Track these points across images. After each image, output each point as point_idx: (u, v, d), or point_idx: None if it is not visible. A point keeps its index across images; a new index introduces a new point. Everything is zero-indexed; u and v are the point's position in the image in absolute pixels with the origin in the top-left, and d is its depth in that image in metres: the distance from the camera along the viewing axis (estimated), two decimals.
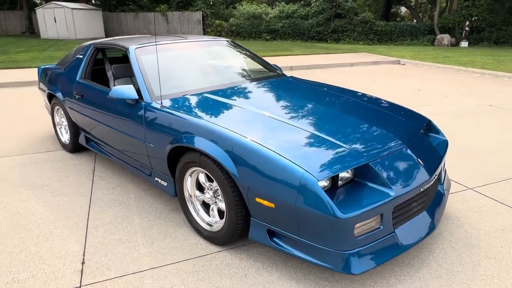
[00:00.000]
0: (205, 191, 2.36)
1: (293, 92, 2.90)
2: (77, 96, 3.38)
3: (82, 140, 3.69)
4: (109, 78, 3.50)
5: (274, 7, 22.48)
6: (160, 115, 2.46)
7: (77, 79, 3.47)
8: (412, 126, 2.48)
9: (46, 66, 4.41)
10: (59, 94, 3.67)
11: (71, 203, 2.89)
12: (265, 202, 1.89)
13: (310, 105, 2.58)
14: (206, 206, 2.46)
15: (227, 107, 2.47)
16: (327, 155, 1.91)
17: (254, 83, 3.11)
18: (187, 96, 2.69)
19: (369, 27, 20.12)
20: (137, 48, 2.99)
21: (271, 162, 1.85)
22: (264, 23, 21.24)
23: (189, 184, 2.42)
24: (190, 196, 2.45)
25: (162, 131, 2.41)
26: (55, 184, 3.23)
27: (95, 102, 3.12)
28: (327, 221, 1.71)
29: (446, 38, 18.91)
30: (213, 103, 2.54)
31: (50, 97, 4.04)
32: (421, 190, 2.03)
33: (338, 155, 1.93)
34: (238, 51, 3.65)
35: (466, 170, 3.45)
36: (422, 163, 2.14)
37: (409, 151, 2.16)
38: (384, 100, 2.90)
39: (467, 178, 3.28)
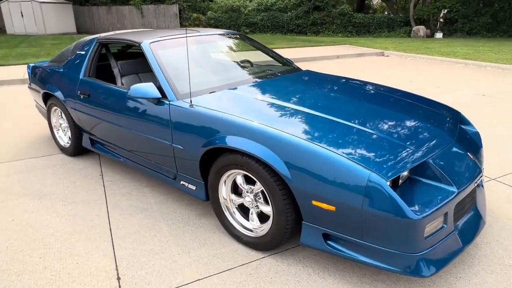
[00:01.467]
0: (243, 194, 2.22)
1: (322, 86, 2.78)
2: (82, 96, 3.13)
3: (86, 143, 3.44)
4: (115, 75, 3.26)
5: (252, 0, 22.22)
6: (190, 115, 2.28)
7: (81, 77, 3.21)
8: (452, 119, 2.43)
9: (37, 64, 4.09)
10: (58, 94, 3.39)
11: (86, 212, 2.67)
12: (324, 205, 1.78)
13: (346, 101, 2.47)
14: (242, 209, 2.32)
15: (262, 103, 2.33)
16: (386, 153, 1.82)
17: (279, 77, 2.97)
18: (214, 93, 2.52)
19: (347, 20, 20.27)
20: (152, 42, 2.78)
21: (331, 163, 1.74)
22: (243, 16, 20.97)
23: (224, 187, 2.27)
24: (226, 200, 2.30)
25: (194, 132, 2.24)
26: (63, 191, 2.98)
27: (105, 102, 2.89)
28: (399, 224, 1.61)
29: (422, 29, 19.34)
30: (245, 100, 2.39)
31: (46, 97, 3.74)
32: (475, 184, 1.98)
33: (397, 153, 1.84)
34: (252, 44, 3.49)
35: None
36: (472, 156, 2.09)
37: (457, 146, 2.10)
38: (413, 94, 2.84)
39: (486, 169, 3.29)
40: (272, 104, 2.32)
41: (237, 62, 3.18)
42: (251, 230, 2.24)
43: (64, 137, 3.77)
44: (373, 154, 1.79)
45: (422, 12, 20.07)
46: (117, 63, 3.26)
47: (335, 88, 2.75)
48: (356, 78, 3.27)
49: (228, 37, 3.40)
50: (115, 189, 3.01)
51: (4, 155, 3.77)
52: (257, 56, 3.50)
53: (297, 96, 2.49)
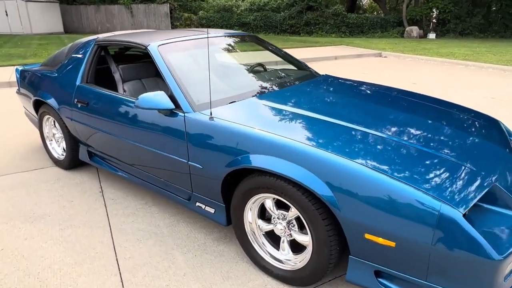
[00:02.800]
0: (273, 221, 1.93)
1: (353, 94, 2.50)
2: (79, 105, 2.80)
3: (83, 156, 3.10)
4: (116, 81, 2.94)
5: None
6: (210, 129, 1.98)
7: (78, 83, 2.87)
8: (499, 130, 2.18)
9: (26, 67, 3.73)
10: (51, 101, 3.05)
11: (87, 238, 2.34)
12: (379, 240, 1.51)
13: (385, 112, 2.20)
14: (270, 237, 2.03)
15: (292, 116, 2.04)
16: (452, 177, 1.55)
17: (302, 84, 2.68)
18: (235, 103, 2.23)
19: (341, 20, 20.13)
20: (160, 45, 2.47)
21: (391, 191, 1.46)
22: (235, 16, 20.65)
23: (250, 212, 1.98)
24: (252, 226, 2.00)
25: (215, 149, 1.94)
26: (58, 212, 2.65)
27: (107, 112, 2.57)
28: (477, 264, 1.35)
29: (415, 30, 19.32)
30: (272, 111, 2.10)
31: (37, 104, 3.39)
32: None
33: (463, 176, 1.58)
34: (265, 46, 3.20)
35: None
36: None
37: None
38: (445, 101, 2.60)
39: None
40: (303, 117, 2.03)
41: (255, 67, 2.89)
42: (280, 261, 1.96)
43: (58, 149, 3.43)
44: (438, 179, 1.52)
45: (415, 12, 20.05)
46: (118, 67, 2.94)
47: (366, 96, 2.49)
48: (369, 82, 3.01)
49: (240, 39, 3.10)
50: (118, 209, 2.69)
51: None
52: (273, 60, 3.23)
53: (329, 107, 2.21)
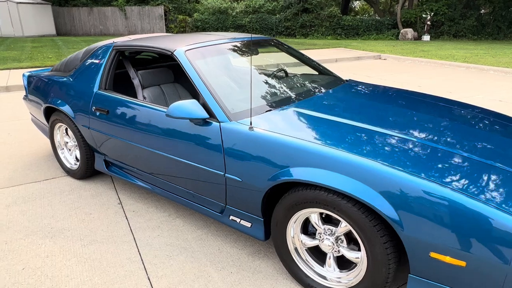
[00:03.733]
0: (320, 236, 1.83)
1: (390, 101, 2.41)
2: (98, 113, 2.67)
3: (99, 165, 2.97)
4: (135, 87, 2.82)
5: (239, 1, 21.84)
6: (250, 140, 1.87)
7: (95, 90, 2.74)
8: None
9: (33, 73, 3.58)
10: (65, 109, 2.91)
11: (113, 255, 2.22)
12: (447, 259, 1.42)
13: (429, 121, 2.11)
14: (313, 252, 1.93)
15: (337, 125, 1.94)
16: None
17: (335, 91, 2.58)
18: (271, 112, 2.12)
19: (336, 22, 20.18)
20: (187, 50, 2.36)
21: (462, 207, 1.37)
22: (230, 18, 20.57)
23: (294, 228, 1.88)
24: (294, 241, 1.90)
25: (257, 161, 1.84)
26: (78, 226, 2.51)
27: (131, 120, 2.44)
28: None
29: (409, 32, 19.46)
30: (314, 121, 2.00)
31: (48, 111, 3.24)
32: None
33: None
34: (290, 52, 3.10)
35: None
36: None
37: None
38: (478, 107, 2.54)
39: None
40: (348, 126, 1.94)
41: (285, 74, 2.79)
42: (325, 278, 1.86)
43: (70, 158, 3.28)
44: (507, 194, 1.44)
45: (409, 15, 20.19)
46: (138, 73, 2.82)
47: (403, 103, 2.40)
48: (394, 87, 2.93)
49: (263, 43, 3.00)
50: (141, 222, 2.56)
51: (0, 179, 3.25)
52: (300, 66, 3.13)
53: (369, 115, 2.12)
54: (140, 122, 2.38)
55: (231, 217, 2.13)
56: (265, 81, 2.54)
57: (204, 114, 2.02)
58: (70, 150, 3.29)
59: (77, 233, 2.44)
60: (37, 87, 3.32)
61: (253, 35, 3.08)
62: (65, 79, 3.03)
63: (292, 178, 1.69)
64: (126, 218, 2.61)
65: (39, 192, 3.01)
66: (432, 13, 19.67)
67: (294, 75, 2.90)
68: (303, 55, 3.19)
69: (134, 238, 2.37)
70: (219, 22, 20.56)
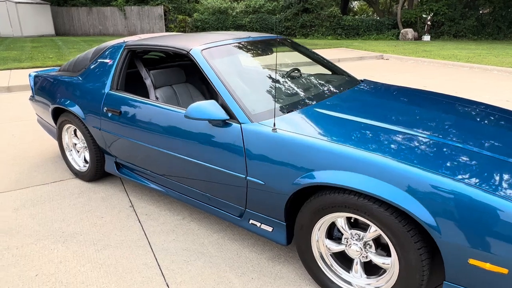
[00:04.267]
0: (346, 241, 1.77)
1: (413, 102, 2.35)
2: (109, 114, 2.60)
3: (110, 167, 2.90)
4: (147, 87, 2.76)
5: (239, 1, 21.78)
6: (274, 142, 1.81)
7: (106, 90, 2.67)
8: None
9: (40, 73, 3.51)
10: (75, 110, 2.84)
11: (129, 260, 2.15)
12: (487, 266, 1.36)
13: (459, 122, 2.05)
14: (337, 257, 1.87)
15: (362, 126, 1.88)
16: None
17: (354, 91, 2.52)
18: (293, 113, 2.06)
19: (336, 22, 20.15)
20: (204, 49, 2.30)
21: (505, 212, 1.32)
22: (230, 18, 20.51)
23: (319, 233, 1.82)
24: (319, 246, 1.84)
25: (281, 164, 1.78)
26: (90, 230, 2.45)
27: (145, 122, 2.38)
28: None
29: (410, 32, 19.44)
30: (338, 122, 1.94)
31: (57, 112, 3.17)
32: None
33: None
34: (303, 51, 3.05)
35: None
36: None
37: None
38: (498, 107, 2.49)
39: None
40: (374, 127, 1.88)
41: (300, 73, 2.73)
42: (350, 283, 1.80)
43: (79, 160, 3.21)
44: None
45: (409, 15, 20.19)
46: (150, 73, 2.76)
47: (426, 103, 2.35)
48: (409, 87, 2.88)
49: (276, 42, 2.94)
50: (155, 226, 2.50)
51: (7, 181, 3.17)
52: (314, 65, 3.07)
53: (394, 115, 2.06)
54: (155, 124, 2.32)
55: (251, 221, 2.07)
56: (283, 82, 2.48)
57: (224, 115, 1.96)
58: (78, 151, 3.22)
59: (89, 238, 2.37)
60: (44, 88, 3.25)
61: (267, 34, 3.02)
62: (74, 79, 2.96)
63: (321, 182, 1.63)
64: (139, 222, 2.55)
65: (47, 194, 2.94)
66: (432, 13, 19.67)
67: (309, 75, 2.84)
68: (316, 54, 3.13)
69: (149, 243, 2.31)
70: (219, 22, 20.50)
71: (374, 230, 1.65)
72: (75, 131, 3.15)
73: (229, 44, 2.50)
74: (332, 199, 1.66)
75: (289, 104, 2.15)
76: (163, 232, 2.43)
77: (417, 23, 20.25)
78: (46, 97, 3.20)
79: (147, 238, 2.36)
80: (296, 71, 2.84)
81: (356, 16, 25.26)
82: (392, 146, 1.68)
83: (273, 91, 2.28)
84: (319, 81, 2.66)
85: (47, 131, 3.55)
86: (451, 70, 9.05)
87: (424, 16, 19.85)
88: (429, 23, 19.61)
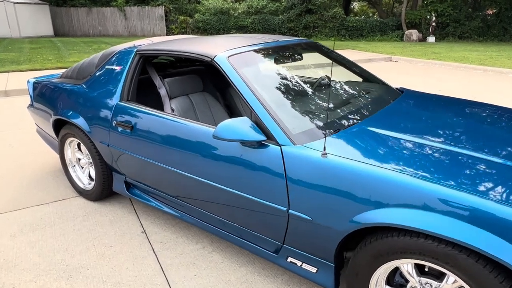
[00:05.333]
0: None
1: (469, 116, 2.05)
2: (119, 128, 2.28)
3: (119, 187, 2.59)
4: (162, 97, 2.45)
5: (241, 2, 21.48)
6: (325, 169, 1.50)
7: (116, 101, 2.36)
8: None
9: (39, 79, 3.19)
10: (79, 122, 2.52)
11: None
12: None
13: None
14: None
15: (430, 150, 1.57)
16: None
17: (401, 103, 2.21)
18: (342, 133, 1.74)
19: (340, 23, 19.87)
20: (231, 56, 1.99)
21: None
22: (232, 19, 20.20)
23: (378, 279, 1.51)
24: None
25: (334, 196, 1.47)
26: (98, 263, 2.13)
27: (162, 139, 2.06)
28: None
29: (414, 33, 19.16)
30: (402, 145, 1.61)
31: (58, 124, 2.86)
32: None
33: None
34: (331, 56, 2.74)
35: None
36: None
37: None
38: None
39: None
40: (442, 151, 1.57)
41: (339, 84, 2.43)
42: None
43: (83, 176, 2.89)
44: None
45: (414, 16, 19.91)
46: (164, 81, 2.44)
47: (486, 119, 2.04)
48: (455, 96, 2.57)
49: (305, 46, 2.62)
50: (172, 257, 2.18)
51: (1, 201, 2.84)
52: (346, 72, 2.76)
53: (462, 135, 1.75)
54: (174, 141, 2.00)
55: (290, 259, 1.76)
56: (318, 93, 2.17)
57: (261, 136, 1.65)
58: (82, 167, 2.90)
59: (97, 273, 2.05)
60: (44, 96, 2.93)
61: (292, 37, 2.70)
62: (78, 87, 2.64)
63: (391, 223, 1.32)
64: (154, 252, 2.23)
65: (48, 217, 2.62)
66: (437, 14, 19.40)
67: (342, 84, 2.53)
68: (345, 59, 2.82)
69: (167, 280, 1.99)
70: (220, 23, 20.19)
71: (453, 281, 1.34)
72: (79, 144, 2.84)
73: (257, 49, 2.19)
74: (402, 243, 1.35)
75: (333, 122, 1.84)
76: (182, 265, 2.11)
77: (421, 24, 19.98)
78: (47, 107, 2.88)
79: (164, 274, 2.04)
80: (326, 79, 2.54)
81: (357, 17, 25.00)
82: (480, 179, 1.36)
83: (315, 105, 1.97)
84: (357, 91, 2.35)
85: (47, 143, 3.23)
86: (463, 73, 8.76)
87: (428, 17, 19.57)
88: (433, 24, 19.34)
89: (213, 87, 3.23)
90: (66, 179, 3.20)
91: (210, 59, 1.99)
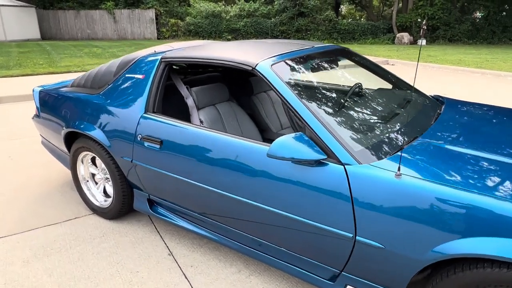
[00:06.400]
0: None
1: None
2: (146, 143, 2.09)
3: (141, 205, 2.39)
4: (190, 108, 2.27)
5: (232, 5, 21.33)
6: (402, 193, 1.34)
7: (140, 113, 2.17)
8: None
9: (46, 87, 2.97)
10: (98, 135, 2.32)
11: None
12: None
13: None
14: None
15: (504, 168, 1.44)
16: None
17: (449, 114, 2.07)
18: (412, 149, 1.58)
19: (332, 26, 19.91)
20: (274, 64, 1.82)
21: None
22: (224, 22, 20.04)
23: None
24: None
25: (413, 222, 1.31)
26: None
27: (199, 156, 1.88)
28: None
29: (406, 36, 19.32)
30: (479, 163, 1.48)
31: (70, 137, 2.64)
32: None
33: None
34: (363, 63, 2.60)
35: None
36: None
37: None
38: None
39: None
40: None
41: (375, 92, 2.29)
42: None
43: (97, 193, 2.68)
44: None
45: (405, 19, 20.09)
46: (191, 91, 2.27)
47: None
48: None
49: (340, 53, 2.46)
50: (207, 283, 1.99)
51: (7, 222, 2.61)
52: (391, 80, 2.63)
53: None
54: (213, 159, 1.82)
55: (349, 287, 1.59)
56: (367, 103, 2.02)
57: (321, 155, 1.49)
58: (97, 183, 2.69)
59: None
60: (55, 106, 2.71)
61: (322, 43, 2.56)
62: (95, 97, 2.44)
63: (487, 255, 1.18)
64: (186, 278, 2.04)
65: (62, 238, 2.40)
66: (427, 17, 19.60)
67: (381, 93, 2.39)
68: (378, 66, 2.68)
69: None
70: (212, 26, 20.01)
71: None
72: (93, 159, 2.63)
73: (297, 56, 2.03)
74: (495, 275, 1.21)
75: (393, 137, 1.69)
76: None
77: (412, 27, 20.16)
78: (57, 118, 2.66)
79: None
80: (359, 87, 2.39)
81: (350, 20, 25.11)
82: None
83: (368, 117, 1.82)
84: (399, 101, 2.21)
85: (56, 157, 3.00)
86: (462, 76, 8.78)
87: (419, 20, 19.76)
88: (424, 27, 19.48)
89: (231, 94, 3.06)
90: (75, 194, 2.98)
91: (251, 68, 1.82)
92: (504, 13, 19.31)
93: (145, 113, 2.16)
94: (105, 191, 2.68)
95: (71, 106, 2.56)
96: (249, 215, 1.78)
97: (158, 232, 2.48)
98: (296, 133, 1.54)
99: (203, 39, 19.71)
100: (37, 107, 2.93)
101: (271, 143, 2.57)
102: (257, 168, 1.67)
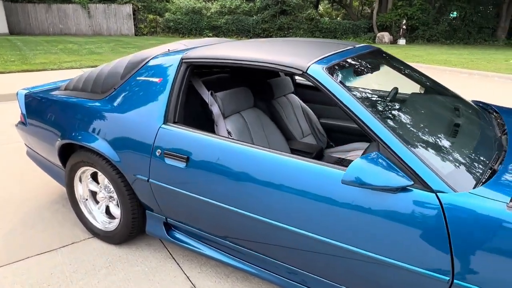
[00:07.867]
0: None
1: None
2: (167, 159, 1.76)
3: (155, 229, 2.05)
4: (215, 117, 1.95)
5: (213, 2, 20.86)
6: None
7: (159, 124, 1.83)
8: None
9: (32, 90, 2.57)
10: (103, 148, 1.96)
11: None
12: None
13: None
14: None
15: None
16: None
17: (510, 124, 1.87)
18: (500, 174, 1.34)
19: (314, 25, 19.84)
20: (327, 67, 1.54)
21: None
22: (205, 19, 19.56)
23: None
24: None
25: None
26: None
27: (235, 176, 1.57)
28: None
29: (386, 36, 19.51)
30: None
31: (67, 150, 2.26)
32: None
33: None
34: (395, 65, 2.35)
35: None
36: None
37: None
38: None
39: None
40: None
41: (432, 99, 2.05)
42: None
43: (98, 213, 2.31)
44: None
45: (385, 19, 20.28)
46: (217, 97, 1.95)
47: None
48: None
49: (377, 54, 2.20)
50: None
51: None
52: (405, 81, 2.39)
53: None
54: (258, 180, 1.52)
55: None
56: (425, 114, 1.77)
57: (407, 181, 1.22)
58: (98, 202, 2.32)
59: None
60: (46, 113, 2.31)
61: (357, 43, 2.29)
62: (98, 104, 2.07)
63: None
64: None
65: (60, 270, 2.03)
66: (407, 17, 19.86)
67: (425, 99, 2.15)
68: (413, 69, 2.45)
69: None
70: (193, 22, 19.48)
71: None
72: (93, 174, 2.26)
73: (344, 58, 1.75)
74: None
75: (477, 157, 1.44)
76: None
77: (392, 27, 20.39)
78: (50, 127, 2.28)
79: None
80: (396, 92, 2.15)
81: (333, 19, 25.12)
82: None
83: (440, 130, 1.56)
84: (451, 109, 1.97)
85: (45, 170, 2.60)
86: (452, 77, 8.81)
87: (399, 20, 19.99)
88: (404, 27, 19.77)
89: (263, 102, 2.74)
90: (67, 212, 2.59)
91: (301, 72, 1.53)
92: (479, 14, 19.84)
93: (164, 123, 1.82)
94: (107, 211, 2.32)
95: (68, 113, 2.18)
96: (294, 245, 1.49)
97: (174, 259, 2.15)
98: (372, 153, 1.27)
99: (183, 36, 19.18)
100: (23, 114, 2.52)
101: (295, 153, 2.29)
102: (317, 192, 1.39)
